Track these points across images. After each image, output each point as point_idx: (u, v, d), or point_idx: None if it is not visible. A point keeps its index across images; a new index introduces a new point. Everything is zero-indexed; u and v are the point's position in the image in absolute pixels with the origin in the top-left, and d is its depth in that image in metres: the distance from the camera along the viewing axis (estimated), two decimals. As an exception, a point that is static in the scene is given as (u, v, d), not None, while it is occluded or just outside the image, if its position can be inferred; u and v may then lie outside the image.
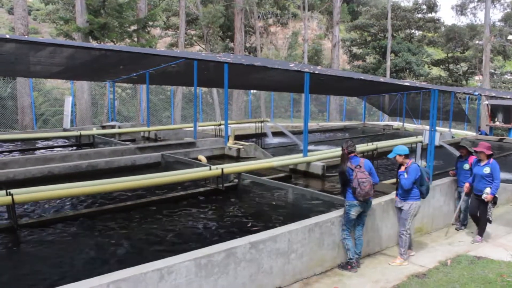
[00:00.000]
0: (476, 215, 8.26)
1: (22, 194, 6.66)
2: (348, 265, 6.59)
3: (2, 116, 22.76)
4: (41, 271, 5.57)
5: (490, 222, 8.12)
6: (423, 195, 7.07)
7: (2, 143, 14.27)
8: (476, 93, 11.37)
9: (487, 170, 8.01)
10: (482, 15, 37.78)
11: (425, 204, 8.25)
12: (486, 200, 7.92)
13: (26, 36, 18.81)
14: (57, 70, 13.46)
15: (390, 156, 7.14)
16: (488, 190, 7.91)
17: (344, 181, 6.68)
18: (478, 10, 42.03)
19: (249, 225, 7.36)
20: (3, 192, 6.53)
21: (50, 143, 14.79)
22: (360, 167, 6.57)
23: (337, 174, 10.32)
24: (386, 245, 7.54)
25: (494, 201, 8.03)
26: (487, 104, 24.63)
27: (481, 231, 8.22)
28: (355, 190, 6.45)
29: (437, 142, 9.00)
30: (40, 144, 14.67)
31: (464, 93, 19.35)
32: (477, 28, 40.65)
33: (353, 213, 6.53)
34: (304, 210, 8.14)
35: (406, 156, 7.06)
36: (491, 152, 8.12)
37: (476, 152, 8.31)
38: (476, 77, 43.13)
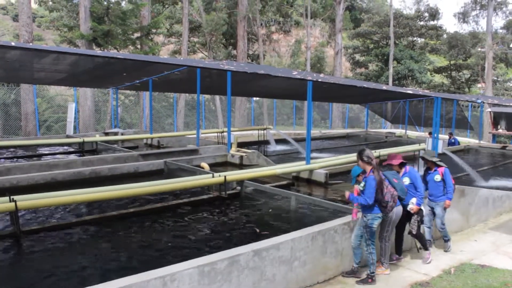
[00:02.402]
0: (400, 232, 7.41)
1: (25, 200, 6.68)
2: (369, 278, 6.41)
3: (6, 123, 22.87)
4: (43, 278, 5.57)
5: (413, 235, 7.29)
6: (399, 197, 6.72)
7: (6, 149, 14.31)
8: (479, 100, 11.39)
9: (406, 181, 7.25)
10: (484, 22, 37.87)
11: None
12: (412, 211, 7.07)
13: (31, 43, 18.93)
14: (61, 77, 13.52)
15: (353, 183, 6.79)
16: (413, 200, 7.09)
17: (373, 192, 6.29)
18: (480, 18, 42.06)
19: (252, 232, 7.35)
20: (7, 198, 6.54)
21: (53, 149, 14.83)
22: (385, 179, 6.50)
23: (338, 182, 10.38)
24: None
25: (420, 214, 7.26)
26: (490, 112, 24.63)
27: (424, 245, 7.46)
28: (386, 204, 6.30)
29: (440, 150, 8.98)
30: (43, 150, 14.70)
31: (467, 100, 19.36)
32: (479, 36, 40.75)
33: (376, 225, 6.36)
34: (307, 218, 8.13)
35: (363, 173, 6.64)
36: (401, 161, 7.37)
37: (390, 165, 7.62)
38: (479, 85, 43.15)
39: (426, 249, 7.44)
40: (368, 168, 6.45)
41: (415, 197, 7.11)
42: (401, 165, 7.39)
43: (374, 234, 6.42)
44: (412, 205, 7.05)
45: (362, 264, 6.68)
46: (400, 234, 7.36)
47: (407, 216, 7.13)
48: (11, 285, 5.38)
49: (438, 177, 7.78)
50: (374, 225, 6.35)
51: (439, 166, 7.86)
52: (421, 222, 7.25)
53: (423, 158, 8.06)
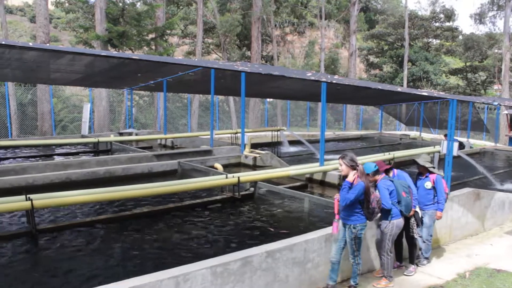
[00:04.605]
0: (400, 238, 7.01)
1: (41, 199, 6.76)
2: None
3: (22, 122, 23.14)
4: (57, 277, 5.62)
5: (415, 240, 7.07)
6: (402, 213, 6.44)
7: (22, 148, 14.49)
8: (495, 103, 11.22)
9: None
10: (501, 23, 37.37)
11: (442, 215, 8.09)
12: (408, 215, 6.72)
13: (48, 44, 19.14)
14: (76, 78, 13.65)
15: None
16: None
17: (358, 199, 5.86)
18: (497, 19, 41.54)
19: (265, 233, 7.35)
20: (23, 197, 6.63)
21: (68, 149, 14.98)
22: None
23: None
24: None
25: (416, 217, 6.88)
26: (507, 114, 24.29)
27: (411, 258, 7.14)
28: (373, 211, 5.98)
29: (455, 153, 8.83)
30: (59, 150, 14.85)
31: (483, 103, 19.14)
32: (496, 37, 40.22)
33: (363, 234, 6.06)
34: (321, 220, 8.09)
35: (375, 173, 6.44)
36: (386, 167, 6.80)
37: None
38: (495, 87, 42.60)
39: (412, 262, 7.07)
40: (353, 173, 5.94)
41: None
42: (387, 171, 6.88)
43: (361, 244, 6.09)
44: None
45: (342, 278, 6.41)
46: (399, 241, 6.97)
47: (407, 221, 6.78)
48: (27, 284, 5.45)
49: (428, 184, 7.32)
50: (363, 235, 6.02)
51: (431, 172, 7.38)
52: (418, 225, 6.92)
53: (415, 162, 7.62)
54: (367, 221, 6.04)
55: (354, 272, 6.12)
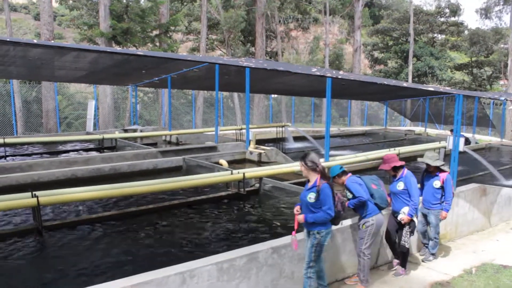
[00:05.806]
0: (394, 240, 6.73)
1: (47, 196, 6.77)
2: None
3: (27, 120, 23.22)
4: (64, 273, 5.64)
5: (406, 249, 6.59)
6: (379, 206, 6.14)
7: (28, 145, 14.54)
8: (502, 98, 11.16)
9: (400, 186, 6.50)
10: (508, 18, 37.32)
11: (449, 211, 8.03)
12: (402, 221, 6.44)
13: (52, 41, 19.17)
14: (81, 75, 13.65)
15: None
16: (405, 209, 6.41)
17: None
18: (503, 13, 41.41)
19: (271, 229, 7.34)
20: (29, 194, 6.64)
21: (73, 146, 15.01)
22: None
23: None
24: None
25: (412, 227, 6.52)
26: (513, 109, 24.19)
27: (403, 261, 6.69)
28: (339, 214, 5.51)
29: (461, 148, 8.77)
30: (64, 147, 14.89)
31: (489, 98, 19.01)
32: (502, 32, 40.03)
33: (328, 242, 5.55)
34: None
35: (342, 174, 6.12)
36: (394, 165, 6.58)
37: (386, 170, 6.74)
38: (501, 82, 42.39)
39: (404, 266, 6.68)
40: (315, 175, 5.46)
41: (408, 206, 6.42)
42: (395, 168, 6.61)
43: (322, 254, 5.53)
44: (403, 215, 6.43)
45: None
46: (399, 245, 6.65)
47: (398, 225, 6.58)
48: (34, 280, 5.46)
49: (437, 183, 7.09)
50: (326, 242, 5.49)
51: (442, 170, 7.14)
52: (412, 234, 6.59)
53: (426, 164, 7.19)
54: (332, 226, 5.57)
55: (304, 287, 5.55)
